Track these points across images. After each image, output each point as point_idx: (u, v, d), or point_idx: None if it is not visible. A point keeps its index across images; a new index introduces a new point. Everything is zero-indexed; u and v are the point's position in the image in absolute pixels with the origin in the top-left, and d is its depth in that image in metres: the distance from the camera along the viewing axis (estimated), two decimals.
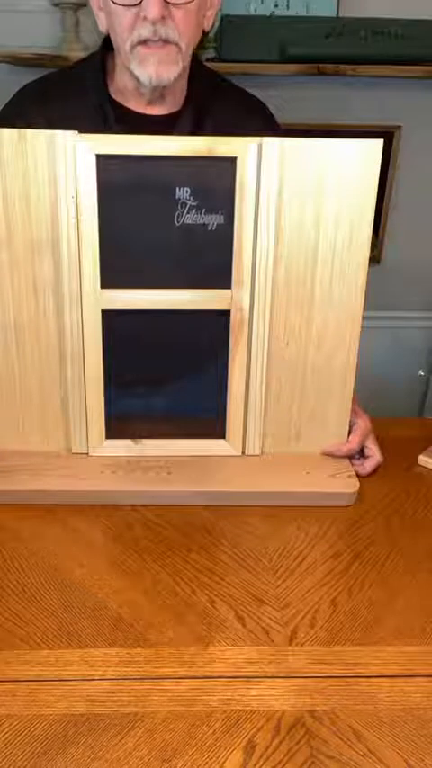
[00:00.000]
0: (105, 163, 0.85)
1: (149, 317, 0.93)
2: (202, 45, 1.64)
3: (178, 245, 0.90)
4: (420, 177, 2.10)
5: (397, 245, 2.19)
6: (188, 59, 1.01)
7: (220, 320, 0.93)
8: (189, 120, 1.05)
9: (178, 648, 0.71)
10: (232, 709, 0.65)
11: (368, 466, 1.00)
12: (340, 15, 1.89)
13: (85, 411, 0.96)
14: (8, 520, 0.89)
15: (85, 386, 0.95)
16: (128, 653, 0.71)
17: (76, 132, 0.84)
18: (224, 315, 0.93)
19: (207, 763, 0.60)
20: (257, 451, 1.00)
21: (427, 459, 1.05)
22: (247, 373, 0.96)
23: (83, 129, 0.84)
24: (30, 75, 1.13)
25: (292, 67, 1.85)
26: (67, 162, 0.84)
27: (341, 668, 0.70)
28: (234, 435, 0.99)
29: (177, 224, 0.88)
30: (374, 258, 2.16)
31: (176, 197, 0.87)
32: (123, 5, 0.94)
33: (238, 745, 0.62)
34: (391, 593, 0.80)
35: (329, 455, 1.00)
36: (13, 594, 0.77)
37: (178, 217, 0.88)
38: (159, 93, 1.02)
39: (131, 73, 0.99)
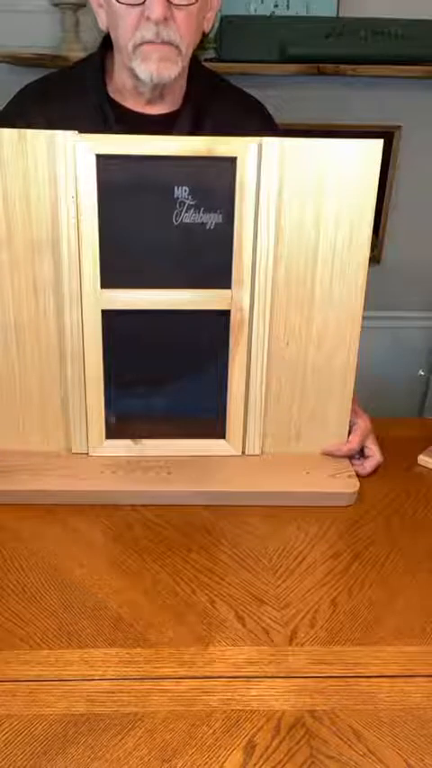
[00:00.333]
0: (105, 163, 0.85)
1: (149, 317, 0.93)
2: (201, 45, 1.64)
3: (177, 244, 0.90)
4: (420, 177, 2.10)
5: (397, 245, 2.19)
6: (187, 61, 1.02)
7: (220, 320, 0.93)
8: (188, 119, 1.06)
9: (178, 648, 0.71)
10: (232, 709, 0.65)
11: (368, 466, 1.00)
12: (340, 15, 1.89)
13: (85, 411, 0.96)
14: (8, 520, 0.89)
15: (85, 386, 0.95)
16: (128, 653, 0.71)
17: (76, 132, 0.84)
18: (224, 315, 0.93)
19: (207, 763, 0.60)
20: (257, 451, 1.00)
21: (427, 459, 1.05)
22: (247, 373, 0.96)
23: (83, 129, 0.85)
24: (30, 75, 1.14)
25: (292, 67, 1.85)
26: (67, 162, 0.84)
27: (341, 668, 0.70)
28: (234, 435, 0.99)
29: (176, 223, 0.88)
30: (374, 258, 2.16)
31: (175, 196, 0.87)
32: (127, 5, 0.95)
33: (238, 745, 0.62)
34: (391, 593, 0.80)
35: (329, 455, 1.00)
36: (13, 594, 0.77)
37: (176, 216, 0.88)
38: (159, 92, 1.02)
39: (131, 71, 1.00)
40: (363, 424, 1.01)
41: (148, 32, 0.95)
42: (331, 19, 1.87)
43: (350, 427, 1.00)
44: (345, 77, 1.88)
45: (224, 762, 0.60)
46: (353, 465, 0.99)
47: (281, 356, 0.95)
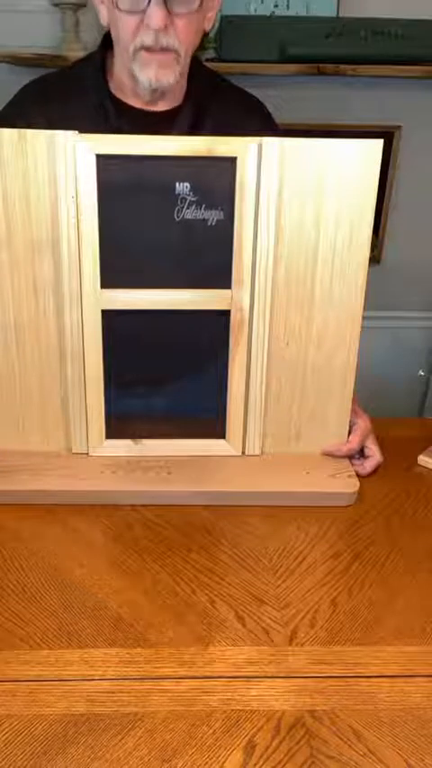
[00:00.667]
0: (105, 163, 0.85)
1: (149, 317, 0.93)
2: (202, 45, 1.64)
3: (178, 241, 0.90)
4: (420, 177, 2.10)
5: (397, 245, 2.19)
6: (187, 63, 1.02)
7: (220, 320, 0.93)
8: (188, 117, 1.06)
9: (178, 648, 0.71)
10: (232, 709, 0.65)
11: (368, 466, 1.00)
12: (340, 15, 1.89)
13: (85, 411, 0.96)
14: (8, 520, 0.89)
15: (85, 386, 0.95)
16: (128, 653, 0.71)
17: (76, 132, 0.84)
18: (224, 315, 0.93)
19: (207, 763, 0.60)
20: (257, 451, 1.00)
21: (427, 459, 1.05)
22: (247, 373, 0.96)
23: (83, 128, 0.85)
24: (30, 76, 1.14)
25: (292, 67, 1.85)
26: (67, 162, 0.84)
27: (341, 668, 0.70)
28: (234, 435, 0.99)
29: (177, 219, 0.88)
30: (374, 258, 2.16)
31: (176, 192, 0.87)
32: (127, 11, 0.95)
33: (238, 745, 0.62)
34: (391, 593, 0.80)
35: (329, 455, 1.00)
36: (13, 594, 0.77)
37: (178, 212, 0.87)
38: (159, 93, 1.02)
39: (131, 72, 1.00)
40: (363, 423, 1.01)
41: (147, 38, 0.96)
42: (331, 19, 1.87)
43: (350, 427, 1.00)
44: (345, 77, 1.88)
45: (224, 762, 0.60)
46: (353, 465, 0.99)
47: (281, 356, 0.95)
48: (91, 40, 1.86)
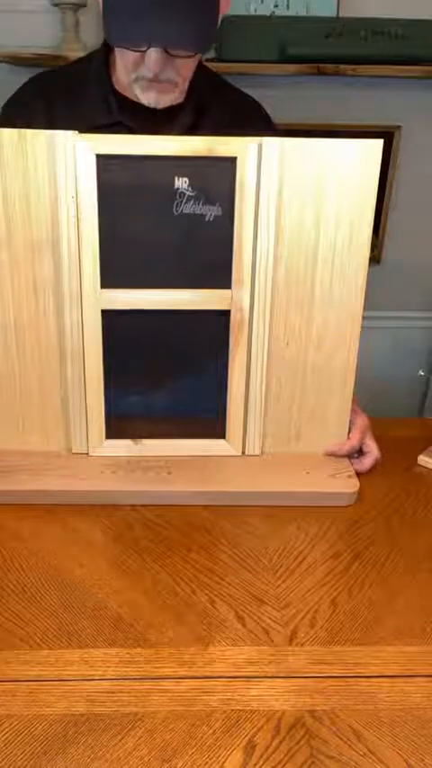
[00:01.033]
0: (105, 163, 0.85)
1: (149, 317, 0.93)
2: None
3: (177, 238, 0.90)
4: (420, 177, 2.10)
5: (397, 245, 2.19)
6: (188, 84, 1.04)
7: (220, 320, 0.93)
8: (189, 114, 1.07)
9: (178, 648, 0.71)
10: (232, 710, 0.65)
11: (367, 463, 1.00)
12: (340, 15, 1.89)
13: (85, 411, 0.96)
14: (8, 520, 0.89)
15: (85, 386, 0.95)
16: (128, 653, 0.71)
17: (76, 132, 0.84)
18: (224, 315, 0.93)
19: (207, 763, 0.60)
20: (257, 451, 1.00)
21: (427, 459, 1.05)
22: (247, 373, 0.96)
23: (86, 120, 0.85)
24: (29, 75, 1.14)
25: (292, 67, 1.85)
26: (67, 162, 0.84)
27: (341, 668, 0.70)
28: (234, 435, 0.99)
29: (176, 213, 0.88)
30: (374, 258, 2.16)
31: (175, 187, 0.87)
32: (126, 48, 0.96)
33: (238, 745, 0.62)
34: (391, 593, 0.80)
35: (332, 455, 1.00)
36: (13, 594, 0.77)
37: (177, 206, 0.87)
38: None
39: (133, 91, 1.02)
40: (360, 421, 1.01)
41: (147, 73, 0.97)
42: (331, 19, 1.87)
43: (349, 426, 1.00)
44: (345, 77, 1.88)
45: (224, 762, 0.60)
46: (352, 463, 0.99)
47: (281, 356, 0.95)
48: (91, 40, 1.86)
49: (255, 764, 0.60)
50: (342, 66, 1.85)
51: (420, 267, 2.22)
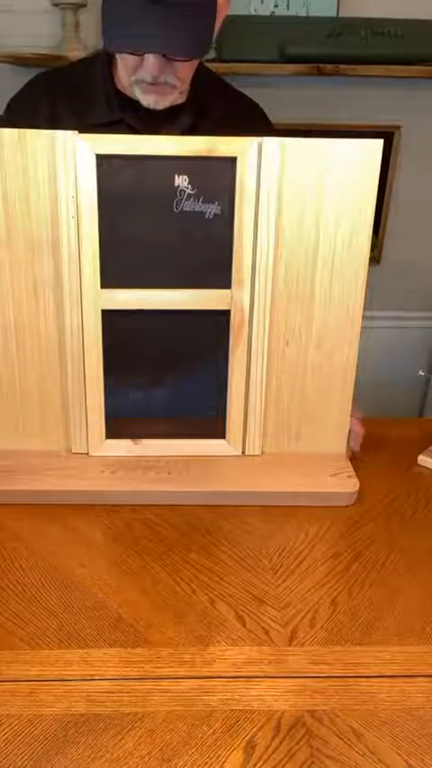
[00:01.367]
0: (105, 163, 0.85)
1: (149, 317, 0.93)
2: None
3: (177, 235, 0.90)
4: (420, 177, 2.10)
5: (397, 245, 2.19)
6: (188, 85, 1.05)
7: (220, 320, 0.93)
8: (190, 114, 1.08)
9: (178, 648, 0.71)
10: (232, 710, 0.65)
11: (355, 444, 1.01)
12: (340, 15, 1.89)
13: (85, 411, 0.96)
14: (8, 520, 0.89)
15: (85, 386, 0.95)
16: (128, 653, 0.71)
17: (76, 132, 0.84)
18: (224, 315, 0.93)
19: (207, 763, 0.60)
20: (257, 451, 1.00)
21: (427, 459, 1.05)
22: (247, 373, 0.96)
23: (90, 119, 0.85)
24: (29, 75, 1.14)
25: (292, 67, 1.85)
26: (68, 162, 0.84)
27: (341, 668, 0.70)
28: (234, 435, 0.99)
29: (176, 211, 0.88)
30: (374, 258, 2.16)
31: (176, 184, 0.87)
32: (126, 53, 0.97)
33: (238, 746, 0.62)
34: (391, 593, 0.80)
35: (356, 448, 1.01)
36: (13, 594, 0.77)
37: (177, 204, 0.87)
38: None
39: (132, 92, 1.04)
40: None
41: (146, 77, 0.98)
42: (331, 19, 1.87)
43: None
44: (345, 77, 1.88)
45: (224, 762, 0.60)
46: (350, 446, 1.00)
47: (281, 356, 0.95)
48: (91, 40, 1.86)
49: (255, 764, 0.60)
50: (342, 67, 1.85)
51: (420, 267, 2.22)
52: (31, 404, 0.97)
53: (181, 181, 0.86)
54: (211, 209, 0.88)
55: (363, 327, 0.94)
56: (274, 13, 1.88)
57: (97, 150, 0.84)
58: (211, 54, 1.86)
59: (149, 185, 0.87)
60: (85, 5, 1.81)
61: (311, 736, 0.63)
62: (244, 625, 0.75)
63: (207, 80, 1.11)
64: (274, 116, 1.17)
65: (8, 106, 1.12)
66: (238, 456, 1.00)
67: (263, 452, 1.00)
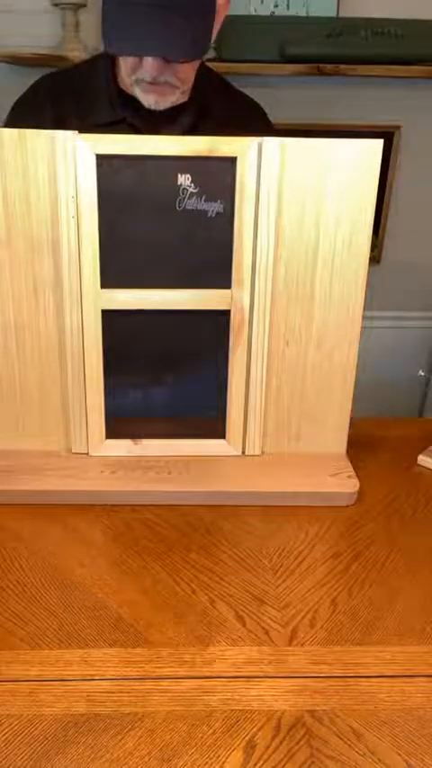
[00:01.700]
0: (105, 163, 0.85)
1: (149, 317, 0.93)
2: None
3: (178, 233, 0.90)
4: (420, 177, 2.10)
5: (397, 245, 2.19)
6: (189, 86, 1.04)
7: (220, 320, 0.93)
8: (191, 113, 1.08)
9: (178, 648, 0.71)
10: (232, 710, 0.65)
11: None
12: (340, 15, 1.89)
13: (85, 411, 0.96)
14: (8, 520, 0.89)
15: (85, 386, 0.95)
16: (128, 653, 0.71)
17: (76, 132, 0.84)
18: (224, 315, 0.93)
19: (207, 763, 0.60)
20: (257, 451, 1.00)
21: (427, 459, 1.05)
22: (247, 373, 0.96)
23: (93, 119, 0.85)
24: (29, 75, 1.15)
25: (292, 67, 1.85)
26: (68, 162, 0.84)
27: (341, 668, 0.70)
28: (234, 435, 0.99)
29: (179, 209, 0.88)
30: (374, 258, 2.16)
31: (178, 183, 0.87)
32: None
33: (238, 746, 0.62)
34: (391, 593, 0.80)
35: None
36: (13, 594, 0.77)
37: (179, 202, 0.87)
38: None
39: (133, 92, 1.04)
40: None
41: (146, 76, 0.98)
42: (331, 19, 1.87)
43: None
44: (345, 77, 1.88)
45: (224, 762, 0.60)
46: None
47: (281, 356, 0.95)
48: (91, 40, 1.86)
49: (255, 764, 0.60)
50: (342, 67, 1.85)
51: (420, 267, 2.22)
52: (31, 404, 0.97)
53: (184, 179, 0.86)
54: (214, 208, 0.88)
55: (363, 327, 0.94)
56: (274, 13, 1.88)
57: (97, 150, 0.84)
58: (211, 54, 1.86)
59: (150, 185, 0.87)
60: (85, 5, 1.81)
61: (311, 736, 0.63)
62: (244, 625, 0.75)
63: (208, 79, 1.11)
64: (274, 116, 1.17)
65: (12, 109, 1.12)
66: (238, 456, 1.00)
67: (263, 452, 1.00)
